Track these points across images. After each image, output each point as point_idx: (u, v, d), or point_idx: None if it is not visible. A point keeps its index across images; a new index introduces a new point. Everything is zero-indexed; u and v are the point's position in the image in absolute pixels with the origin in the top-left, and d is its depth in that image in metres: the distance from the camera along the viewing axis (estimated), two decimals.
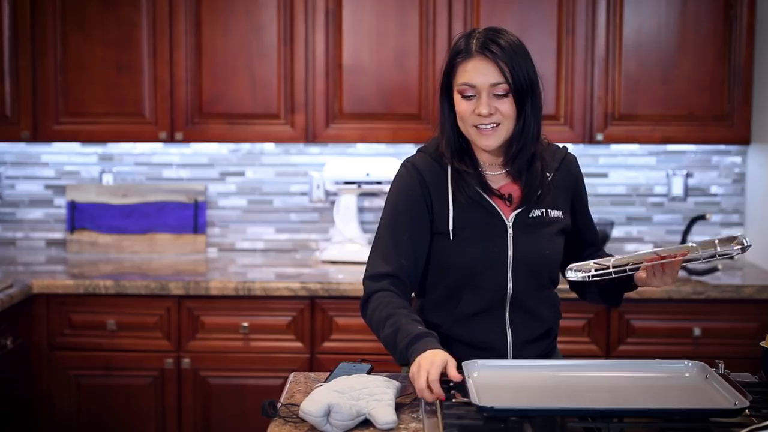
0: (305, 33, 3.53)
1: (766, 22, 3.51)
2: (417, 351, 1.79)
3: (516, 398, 1.71)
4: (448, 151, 1.99)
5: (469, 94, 1.92)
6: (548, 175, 2.02)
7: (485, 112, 1.90)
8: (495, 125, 1.93)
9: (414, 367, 1.77)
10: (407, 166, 2.03)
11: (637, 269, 1.89)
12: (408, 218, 1.99)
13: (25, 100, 3.58)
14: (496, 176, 2.02)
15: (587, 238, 2.14)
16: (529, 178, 1.99)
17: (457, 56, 1.94)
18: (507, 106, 1.92)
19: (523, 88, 1.92)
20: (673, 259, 1.87)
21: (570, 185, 2.08)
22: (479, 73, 1.91)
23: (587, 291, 2.13)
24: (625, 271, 1.88)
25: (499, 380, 1.78)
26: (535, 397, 1.73)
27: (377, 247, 2.01)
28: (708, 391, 1.73)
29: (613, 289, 2.07)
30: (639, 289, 3.24)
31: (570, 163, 2.09)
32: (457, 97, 1.95)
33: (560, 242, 2.04)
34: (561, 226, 2.04)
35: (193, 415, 3.33)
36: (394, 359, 1.91)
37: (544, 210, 2.01)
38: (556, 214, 2.03)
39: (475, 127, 1.93)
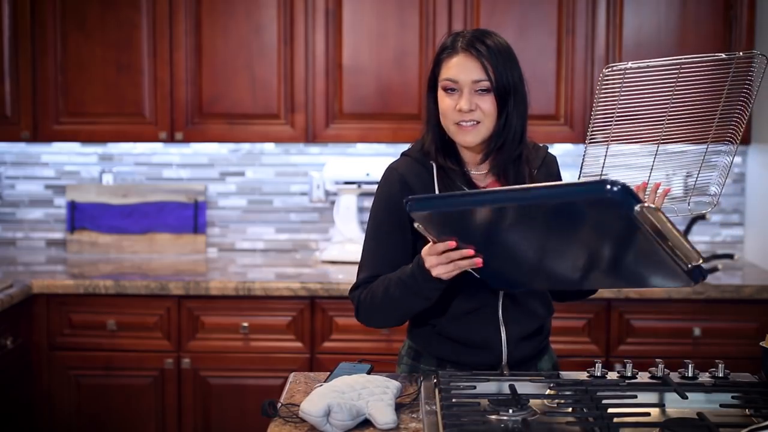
0: (305, 33, 3.54)
1: (766, 22, 3.51)
2: (420, 268, 1.83)
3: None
4: (432, 148, 1.99)
5: (451, 89, 1.93)
6: (534, 172, 2.03)
7: (465, 108, 1.91)
8: (475, 122, 1.93)
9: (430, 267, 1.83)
10: (390, 171, 2.04)
11: None
12: (388, 225, 2.00)
13: (25, 100, 3.58)
14: (481, 175, 2.02)
15: None
16: (517, 181, 1.99)
17: (443, 52, 1.96)
18: (488, 104, 1.92)
19: (505, 88, 1.93)
20: (657, 191, 1.92)
21: (552, 181, 2.09)
22: (462, 69, 1.92)
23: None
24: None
25: None
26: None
27: (361, 260, 2.04)
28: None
29: None
30: (638, 288, 3.26)
31: (551, 163, 2.10)
32: (440, 93, 1.96)
33: None
34: None
35: (193, 415, 3.33)
36: (422, 296, 1.90)
37: None
38: None
39: (456, 123, 1.94)
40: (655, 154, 1.88)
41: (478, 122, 1.93)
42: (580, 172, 1.86)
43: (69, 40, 3.56)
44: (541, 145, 2.11)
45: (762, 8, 3.53)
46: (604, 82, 1.78)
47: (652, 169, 1.89)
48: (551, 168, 2.10)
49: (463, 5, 3.49)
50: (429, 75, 2.00)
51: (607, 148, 1.84)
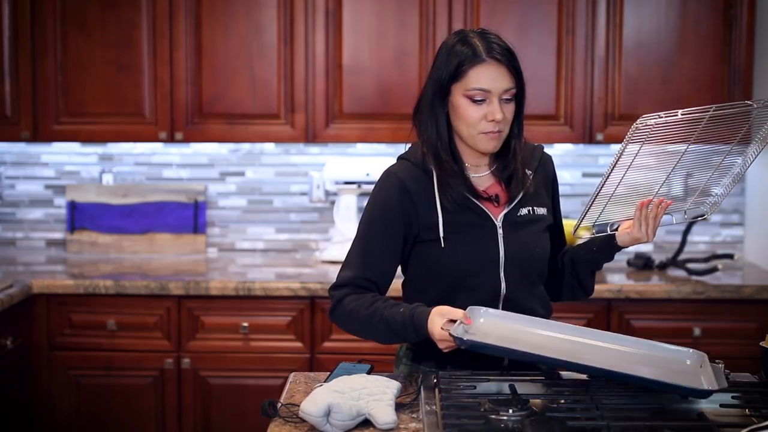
0: (305, 33, 3.53)
1: (766, 22, 3.51)
2: (422, 321, 1.85)
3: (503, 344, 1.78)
4: (444, 153, 1.98)
5: (479, 99, 1.92)
6: (529, 173, 2.03)
7: (500, 117, 1.91)
8: (500, 131, 1.95)
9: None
10: (388, 175, 2.02)
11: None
12: (381, 229, 1.99)
13: (25, 100, 3.58)
14: (481, 178, 2.02)
15: (561, 240, 2.15)
16: (513, 176, 2.01)
17: (464, 62, 1.92)
18: (511, 112, 1.96)
19: (523, 90, 1.97)
20: (659, 205, 1.94)
21: (548, 185, 2.10)
22: (494, 78, 1.91)
23: (563, 281, 2.13)
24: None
25: (497, 329, 1.84)
26: (524, 347, 1.79)
27: (347, 258, 2.03)
28: (695, 375, 1.76)
29: (591, 262, 2.07)
30: (639, 288, 3.26)
31: (547, 163, 2.11)
32: (463, 102, 1.94)
33: (547, 239, 2.05)
34: (546, 224, 2.06)
35: (193, 415, 3.33)
36: (403, 340, 1.94)
37: (530, 208, 2.02)
38: (541, 211, 2.04)
39: (482, 132, 1.94)
40: (680, 157, 1.86)
41: (501, 131, 1.95)
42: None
43: (69, 40, 3.56)
44: (535, 144, 2.12)
45: (762, 8, 3.53)
46: (635, 133, 1.78)
47: (669, 174, 1.88)
48: (547, 168, 2.11)
49: (463, 5, 3.49)
50: (440, 81, 1.96)
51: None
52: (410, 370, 2.07)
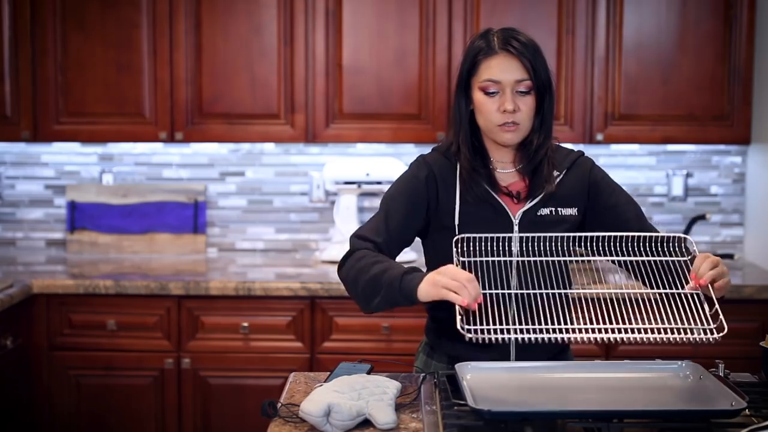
0: (305, 33, 3.54)
1: (766, 22, 3.51)
2: (416, 278, 1.83)
3: (513, 400, 1.71)
4: (464, 147, 2.01)
5: (493, 90, 1.95)
6: (557, 173, 2.03)
7: (510, 108, 1.93)
8: (515, 123, 1.96)
9: (430, 282, 1.80)
10: (419, 160, 2.09)
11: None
12: (405, 200, 2.03)
13: (25, 100, 3.58)
14: (506, 174, 2.04)
15: (627, 214, 2.07)
16: (537, 174, 2.01)
17: (478, 54, 1.97)
18: (528, 106, 1.97)
19: (543, 85, 1.97)
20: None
21: (585, 180, 2.07)
22: (504, 69, 1.94)
23: None
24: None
25: (494, 382, 1.78)
26: (532, 398, 1.73)
27: (371, 220, 2.06)
28: (704, 391, 1.74)
29: None
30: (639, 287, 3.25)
31: (582, 163, 2.10)
32: (479, 95, 1.98)
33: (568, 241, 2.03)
34: (570, 225, 2.04)
35: (193, 415, 3.33)
36: (381, 295, 1.89)
37: (553, 209, 2.01)
38: (569, 212, 2.03)
39: (498, 125, 1.96)
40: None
41: (518, 124, 1.96)
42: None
43: (69, 40, 3.56)
44: (575, 150, 2.11)
45: (762, 8, 3.53)
46: None
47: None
48: (583, 166, 2.08)
49: (463, 5, 3.49)
50: (460, 76, 2.02)
51: None
52: (425, 364, 2.11)
